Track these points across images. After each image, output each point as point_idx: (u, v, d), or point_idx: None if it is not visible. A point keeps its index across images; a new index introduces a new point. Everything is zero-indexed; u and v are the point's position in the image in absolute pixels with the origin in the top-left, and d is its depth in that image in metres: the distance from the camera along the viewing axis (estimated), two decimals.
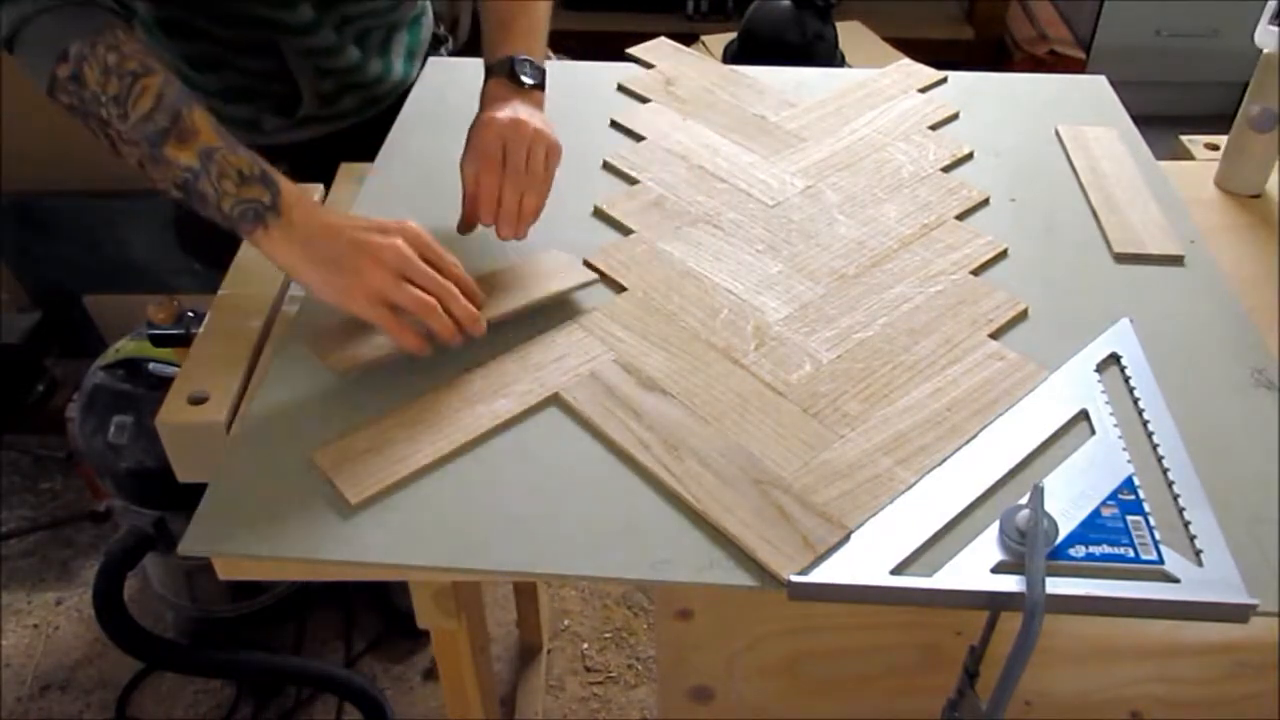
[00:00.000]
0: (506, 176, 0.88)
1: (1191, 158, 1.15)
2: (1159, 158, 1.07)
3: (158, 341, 0.98)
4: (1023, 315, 0.86)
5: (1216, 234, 1.00)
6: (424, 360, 0.80)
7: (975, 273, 0.91)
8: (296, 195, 0.79)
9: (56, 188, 1.91)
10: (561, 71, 1.03)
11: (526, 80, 0.94)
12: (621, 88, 1.18)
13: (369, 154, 1.07)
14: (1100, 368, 0.81)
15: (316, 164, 1.05)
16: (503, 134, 0.88)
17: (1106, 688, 0.95)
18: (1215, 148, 1.13)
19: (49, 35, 0.77)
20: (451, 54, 1.32)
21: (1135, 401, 0.78)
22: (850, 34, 2.26)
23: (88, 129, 0.79)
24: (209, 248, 1.12)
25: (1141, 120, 1.12)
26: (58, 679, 1.61)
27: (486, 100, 0.94)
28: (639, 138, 1.09)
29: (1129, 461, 0.73)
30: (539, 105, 0.95)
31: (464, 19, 2.92)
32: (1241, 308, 0.88)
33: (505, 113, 0.90)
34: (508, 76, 0.94)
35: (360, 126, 1.17)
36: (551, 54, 1.08)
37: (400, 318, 0.77)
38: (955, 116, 1.13)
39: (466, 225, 0.91)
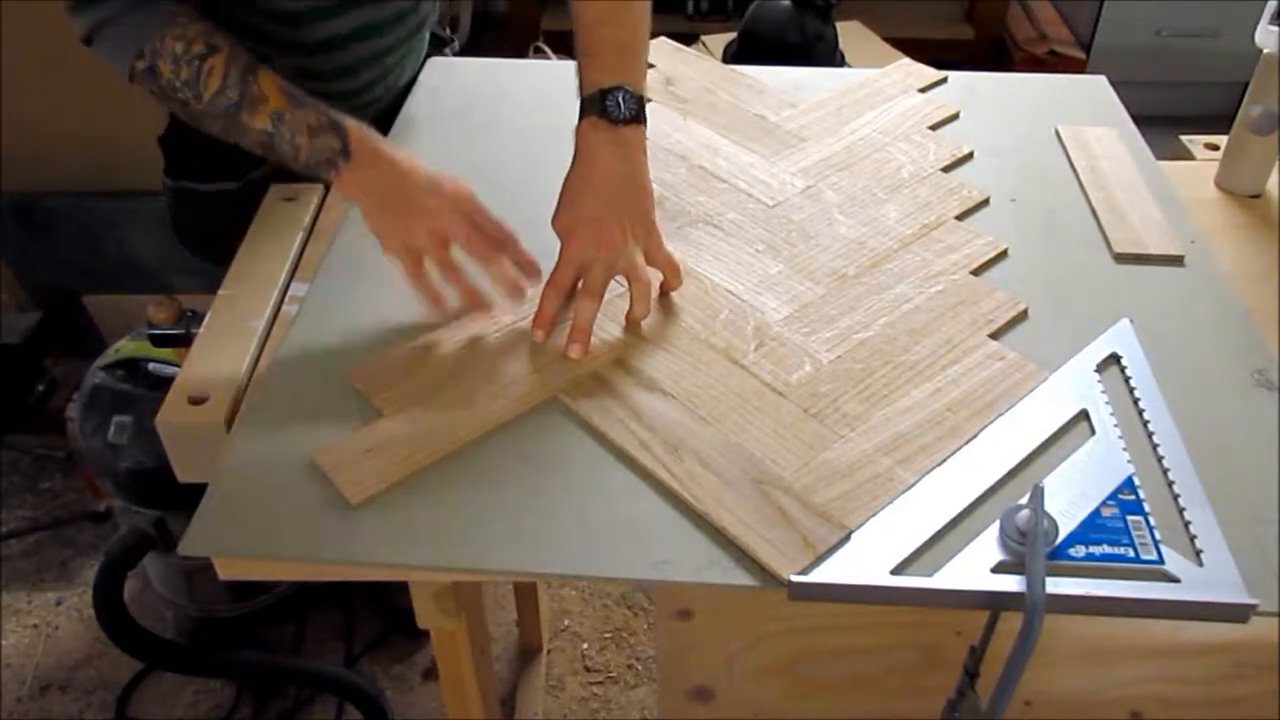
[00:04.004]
0: (579, 296, 0.83)
1: (1191, 158, 1.14)
2: (1159, 158, 1.07)
3: (158, 341, 0.98)
4: (1023, 315, 0.86)
5: (1216, 234, 1.00)
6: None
7: (975, 273, 0.91)
8: (362, 138, 0.87)
9: (56, 188, 1.90)
10: (562, 71, 1.02)
11: (618, 116, 0.85)
12: None
13: None
14: (1100, 368, 0.81)
15: None
16: (582, 255, 0.83)
17: (1107, 688, 0.95)
18: (1215, 148, 1.13)
19: (125, 35, 0.86)
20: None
21: (1135, 401, 0.78)
22: (850, 34, 2.26)
23: (171, 109, 0.89)
24: (204, 242, 1.11)
25: (1141, 120, 1.12)
26: (58, 679, 1.61)
27: (577, 149, 0.87)
28: None
29: (1129, 461, 0.73)
30: (637, 146, 0.87)
31: (464, 18, 2.92)
32: (1241, 308, 0.88)
33: (588, 206, 0.84)
34: (598, 114, 0.85)
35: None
36: (551, 53, 1.07)
37: (425, 274, 0.84)
38: (955, 116, 1.13)
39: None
